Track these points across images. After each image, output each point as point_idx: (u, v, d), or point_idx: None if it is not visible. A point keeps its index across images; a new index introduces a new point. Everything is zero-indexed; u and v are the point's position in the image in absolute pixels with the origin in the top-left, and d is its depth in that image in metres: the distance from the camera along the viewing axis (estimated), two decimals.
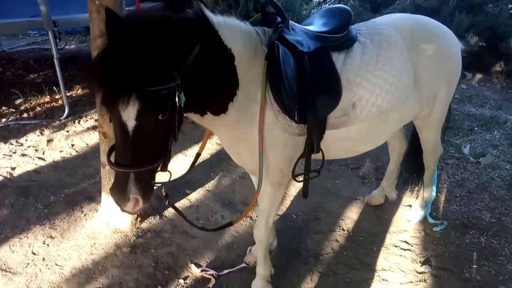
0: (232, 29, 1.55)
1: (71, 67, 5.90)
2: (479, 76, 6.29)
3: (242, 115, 1.63)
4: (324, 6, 5.63)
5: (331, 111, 1.73)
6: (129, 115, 1.21)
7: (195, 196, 3.00)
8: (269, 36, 1.65)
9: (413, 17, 2.16)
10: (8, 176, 3.16)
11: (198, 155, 2.01)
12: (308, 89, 1.63)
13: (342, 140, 1.87)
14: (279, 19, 1.69)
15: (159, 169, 1.40)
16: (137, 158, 1.29)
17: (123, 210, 1.37)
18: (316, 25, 1.90)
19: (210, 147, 3.71)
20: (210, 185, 3.14)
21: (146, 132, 1.26)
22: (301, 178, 1.84)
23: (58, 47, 4.47)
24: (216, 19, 1.48)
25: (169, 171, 1.46)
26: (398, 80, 1.86)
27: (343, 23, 1.83)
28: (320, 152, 1.80)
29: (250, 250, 2.36)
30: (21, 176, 3.17)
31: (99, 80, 1.17)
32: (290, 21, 1.74)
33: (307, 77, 1.63)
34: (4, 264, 2.28)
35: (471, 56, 6.05)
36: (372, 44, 1.87)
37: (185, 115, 1.50)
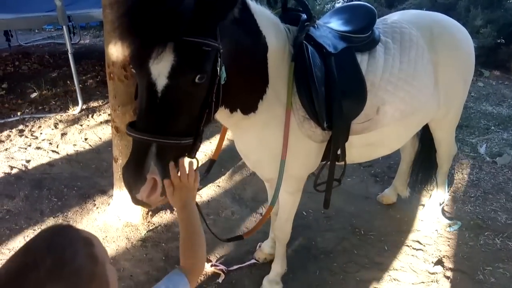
0: (266, 18, 1.44)
1: (85, 61, 5.97)
2: (497, 73, 6.13)
3: (269, 118, 1.54)
4: (338, 1, 5.56)
5: (356, 116, 1.64)
6: (162, 71, 1.04)
7: (205, 191, 3.00)
8: (294, 34, 1.54)
9: (431, 15, 2.11)
10: (23, 168, 3.21)
11: (213, 161, 1.88)
12: (334, 93, 1.53)
13: (362, 146, 1.79)
14: (304, 16, 1.58)
15: (185, 154, 1.18)
16: (163, 125, 1.07)
17: (135, 201, 1.12)
18: (336, 23, 1.79)
19: None
20: (220, 180, 3.15)
21: (178, 97, 1.08)
22: (322, 187, 1.78)
23: (72, 42, 4.53)
24: (252, 3, 1.38)
25: (196, 158, 1.24)
26: (420, 83, 1.79)
27: (368, 22, 1.73)
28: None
29: (259, 246, 2.36)
30: (36, 169, 3.22)
31: (130, 24, 1.00)
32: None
33: (334, 80, 1.54)
34: None
35: (489, 53, 5.90)
36: (393, 44, 1.78)
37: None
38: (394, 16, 2.02)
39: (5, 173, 3.12)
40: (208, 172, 1.85)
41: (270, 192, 2.17)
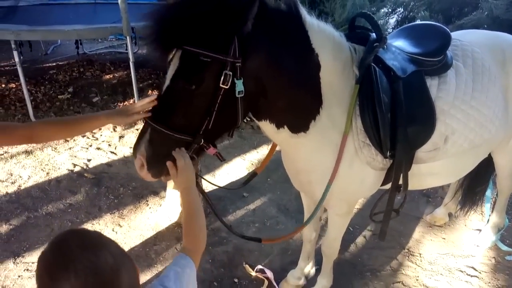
0: (324, 35, 1.38)
1: (142, 70, 6.33)
2: None
3: (323, 141, 1.47)
4: (392, 16, 5.46)
5: (423, 145, 1.56)
6: (170, 72, 1.20)
7: (251, 199, 3.05)
8: (360, 55, 1.46)
9: (503, 37, 1.98)
10: (85, 167, 3.46)
11: (255, 173, 1.84)
12: (400, 120, 1.45)
13: (424, 175, 1.70)
14: (373, 36, 1.49)
15: (186, 150, 1.25)
16: (158, 113, 1.23)
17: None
18: (405, 43, 1.68)
19: (267, 152, 3.75)
20: (266, 190, 3.18)
21: (175, 98, 1.20)
22: (377, 217, 1.75)
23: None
24: (310, 18, 1.34)
25: (200, 176, 1.44)
26: (492, 112, 1.68)
27: (441, 45, 1.61)
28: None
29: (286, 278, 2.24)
30: (95, 168, 3.45)
31: (149, 34, 1.15)
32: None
33: (401, 107, 1.45)
34: None
35: None
36: (465, 68, 1.67)
37: (258, 123, 1.44)
38: (460, 36, 1.89)
39: (68, 170, 3.38)
40: (246, 184, 1.83)
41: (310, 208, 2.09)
